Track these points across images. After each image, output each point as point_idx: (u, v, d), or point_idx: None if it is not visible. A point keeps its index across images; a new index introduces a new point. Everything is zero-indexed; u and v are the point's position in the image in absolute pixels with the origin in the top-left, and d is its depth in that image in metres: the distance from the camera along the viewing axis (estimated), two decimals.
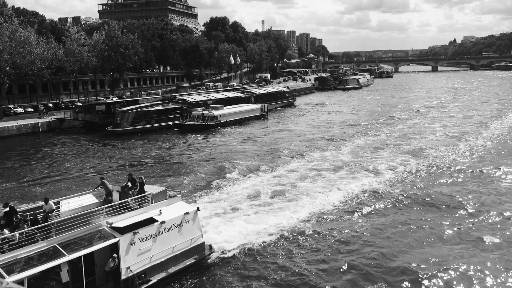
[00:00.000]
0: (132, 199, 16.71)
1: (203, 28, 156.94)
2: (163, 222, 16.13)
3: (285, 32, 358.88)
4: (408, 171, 30.80)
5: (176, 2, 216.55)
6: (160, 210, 16.56)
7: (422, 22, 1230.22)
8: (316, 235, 20.28)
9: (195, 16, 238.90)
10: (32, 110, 63.92)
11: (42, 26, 76.31)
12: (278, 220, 21.58)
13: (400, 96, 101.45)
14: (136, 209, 16.41)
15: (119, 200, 16.91)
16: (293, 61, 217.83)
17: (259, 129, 53.79)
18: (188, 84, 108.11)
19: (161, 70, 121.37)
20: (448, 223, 21.44)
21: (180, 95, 72.50)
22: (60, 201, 17.03)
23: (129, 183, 17.71)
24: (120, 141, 47.35)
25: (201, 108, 58.54)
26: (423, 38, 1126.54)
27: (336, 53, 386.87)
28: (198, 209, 17.74)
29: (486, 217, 22.14)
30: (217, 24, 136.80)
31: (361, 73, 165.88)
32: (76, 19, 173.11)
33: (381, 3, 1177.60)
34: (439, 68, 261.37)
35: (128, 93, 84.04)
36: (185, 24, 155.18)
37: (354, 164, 32.88)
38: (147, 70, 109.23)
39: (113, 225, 15.09)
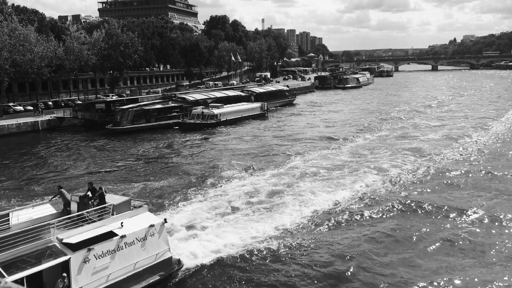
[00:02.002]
0: (89, 211, 15.18)
1: (203, 27, 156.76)
2: (123, 236, 14.68)
3: (285, 31, 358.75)
4: (409, 172, 30.54)
5: (176, 0, 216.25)
6: (122, 223, 15.09)
7: (422, 21, 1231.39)
8: (301, 246, 18.84)
9: (195, 14, 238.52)
10: (32, 108, 63.92)
11: (42, 24, 76.21)
12: (263, 228, 20.30)
13: (400, 95, 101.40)
14: (94, 222, 14.85)
15: (78, 211, 15.41)
16: (293, 60, 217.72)
17: (259, 128, 53.76)
18: (188, 83, 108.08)
19: (161, 69, 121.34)
20: (450, 229, 20.63)
21: (180, 93, 72.49)
22: (10, 213, 15.31)
23: (89, 193, 16.15)
24: (119, 139, 47.33)
25: (201, 106, 58.52)
26: (423, 37, 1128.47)
27: (336, 52, 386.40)
28: (165, 220, 16.39)
29: (493, 222, 21.24)
30: (217, 23, 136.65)
31: (361, 72, 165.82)
32: (76, 17, 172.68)
33: (381, 2, 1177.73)
34: (439, 67, 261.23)
35: (128, 92, 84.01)
36: (185, 23, 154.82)
37: (354, 164, 32.80)
38: (147, 69, 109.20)
39: (65, 240, 13.59)
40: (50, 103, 68.85)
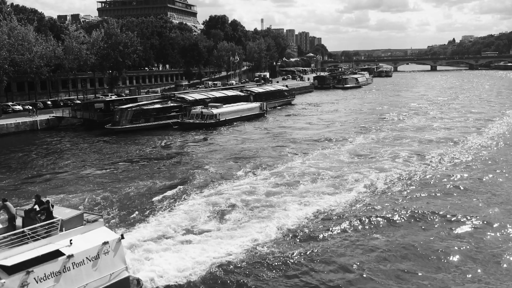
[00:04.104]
0: (32, 228, 13.40)
1: (202, 27, 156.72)
2: (70, 256, 13.08)
3: (284, 31, 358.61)
4: (410, 174, 30.19)
5: (175, 0, 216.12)
6: (71, 240, 13.45)
7: (421, 22, 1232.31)
8: (286, 258, 17.64)
9: (194, 14, 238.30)
10: (26, 107, 63.74)
11: (41, 24, 76.16)
12: (244, 241, 19.05)
13: (399, 95, 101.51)
14: (38, 239, 13.13)
15: (23, 227, 13.74)
16: (292, 60, 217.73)
17: (258, 128, 53.78)
18: (187, 82, 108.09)
19: (160, 68, 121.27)
20: (454, 236, 19.83)
21: (179, 93, 72.42)
22: None
23: (36, 206, 14.49)
24: (118, 139, 47.31)
25: (200, 106, 58.52)
26: (422, 37, 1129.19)
27: (335, 52, 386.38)
28: (122, 236, 14.82)
29: (502, 231, 20.22)
30: (216, 23, 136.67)
31: (360, 72, 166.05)
32: (75, 17, 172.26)
33: (380, 2, 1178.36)
34: (438, 67, 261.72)
35: (127, 91, 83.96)
36: (184, 22, 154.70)
37: (353, 165, 32.83)
38: (146, 68, 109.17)
39: None
40: (49, 102, 68.92)
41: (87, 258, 13.59)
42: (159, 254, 17.70)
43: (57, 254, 13.00)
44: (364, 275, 16.41)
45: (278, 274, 16.69)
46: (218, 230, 20.49)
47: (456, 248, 18.58)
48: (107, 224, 20.92)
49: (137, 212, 23.16)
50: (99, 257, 13.85)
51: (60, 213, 14.42)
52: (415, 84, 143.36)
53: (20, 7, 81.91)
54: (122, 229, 20.53)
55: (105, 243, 14.07)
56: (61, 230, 13.71)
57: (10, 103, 64.66)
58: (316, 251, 18.38)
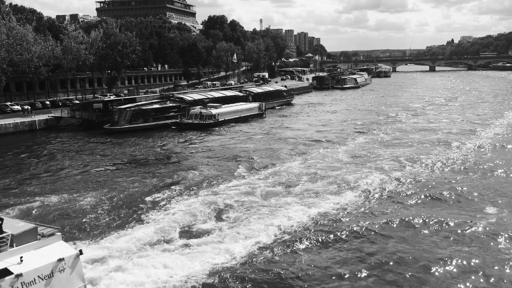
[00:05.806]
0: None
1: (201, 27, 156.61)
2: (19, 275, 11.88)
3: (283, 31, 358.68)
4: (410, 177, 30.09)
5: (174, 0, 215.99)
6: (21, 257, 12.28)
7: (420, 22, 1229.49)
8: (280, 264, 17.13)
9: (193, 14, 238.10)
10: (25, 107, 63.55)
11: (40, 24, 75.99)
12: (235, 249, 18.27)
13: (397, 95, 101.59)
14: None
15: None
16: (291, 60, 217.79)
17: (257, 128, 53.75)
18: (185, 83, 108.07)
19: (159, 69, 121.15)
20: (455, 244, 19.15)
21: (178, 93, 72.40)
22: None
23: None
24: (117, 139, 47.23)
25: (199, 106, 58.49)
26: (421, 37, 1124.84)
27: (334, 53, 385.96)
28: (80, 252, 13.66)
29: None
30: (215, 23, 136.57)
31: (359, 72, 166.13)
32: (74, 17, 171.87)
33: (379, 3, 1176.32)
34: (437, 68, 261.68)
35: (126, 91, 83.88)
36: (183, 23, 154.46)
37: (352, 166, 32.83)
38: (144, 68, 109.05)
39: None
40: (48, 102, 68.84)
41: (39, 276, 12.42)
42: (131, 266, 16.63)
43: (4, 273, 11.87)
44: (366, 282, 16.18)
45: (275, 277, 16.58)
46: (219, 230, 20.44)
47: (458, 252, 18.30)
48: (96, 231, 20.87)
49: (133, 213, 23.11)
50: (53, 276, 12.71)
51: (12, 226, 13.15)
52: (414, 85, 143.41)
53: (19, 7, 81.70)
54: (119, 230, 20.52)
55: (61, 259, 12.94)
56: (11, 246, 12.54)
57: (8, 103, 64.54)
58: (315, 255, 18.26)
